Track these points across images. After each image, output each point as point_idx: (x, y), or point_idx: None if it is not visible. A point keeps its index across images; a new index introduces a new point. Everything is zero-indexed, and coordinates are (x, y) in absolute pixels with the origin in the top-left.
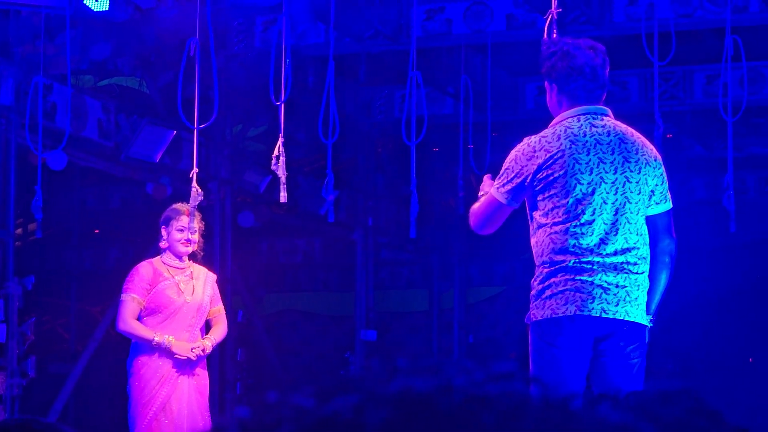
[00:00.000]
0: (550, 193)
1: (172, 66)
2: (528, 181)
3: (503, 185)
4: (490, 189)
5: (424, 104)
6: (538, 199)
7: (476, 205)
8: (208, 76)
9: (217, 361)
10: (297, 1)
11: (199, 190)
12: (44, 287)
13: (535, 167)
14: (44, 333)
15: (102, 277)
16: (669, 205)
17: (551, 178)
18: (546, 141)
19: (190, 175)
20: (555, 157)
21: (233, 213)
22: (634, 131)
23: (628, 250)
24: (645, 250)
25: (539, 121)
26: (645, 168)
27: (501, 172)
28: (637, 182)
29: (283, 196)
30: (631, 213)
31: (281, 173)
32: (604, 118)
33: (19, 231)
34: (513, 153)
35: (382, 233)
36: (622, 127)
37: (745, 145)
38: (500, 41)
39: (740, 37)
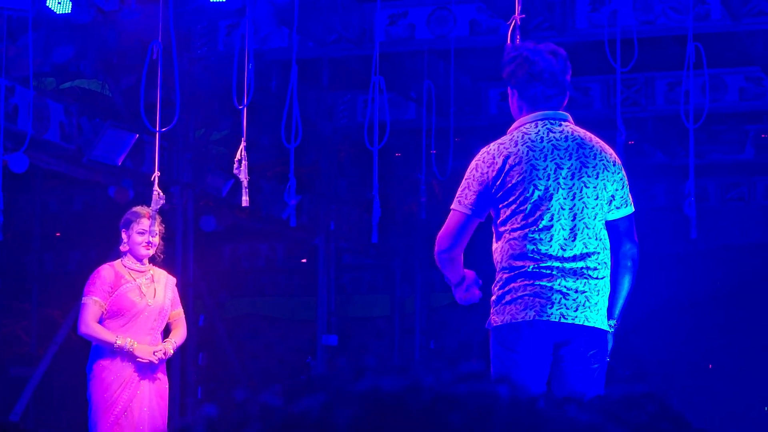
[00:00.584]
0: (509, 199)
1: (134, 69)
2: (489, 188)
3: (466, 197)
4: (453, 204)
5: (386, 109)
6: (499, 206)
7: (441, 232)
8: (170, 80)
9: (178, 365)
10: (260, 5)
11: (161, 194)
12: (5, 290)
13: (495, 173)
14: (5, 336)
15: (63, 280)
16: (630, 210)
17: (509, 184)
18: (504, 147)
19: (152, 179)
20: (512, 163)
21: (195, 217)
22: (593, 136)
23: (588, 255)
24: (605, 255)
25: (502, 126)
26: (603, 173)
27: (462, 185)
28: (594, 187)
29: (245, 200)
30: (590, 218)
31: (243, 177)
32: (563, 123)
33: None
34: (473, 163)
35: (344, 238)
36: (581, 132)
37: (706, 152)
38: (463, 47)
39: (702, 45)
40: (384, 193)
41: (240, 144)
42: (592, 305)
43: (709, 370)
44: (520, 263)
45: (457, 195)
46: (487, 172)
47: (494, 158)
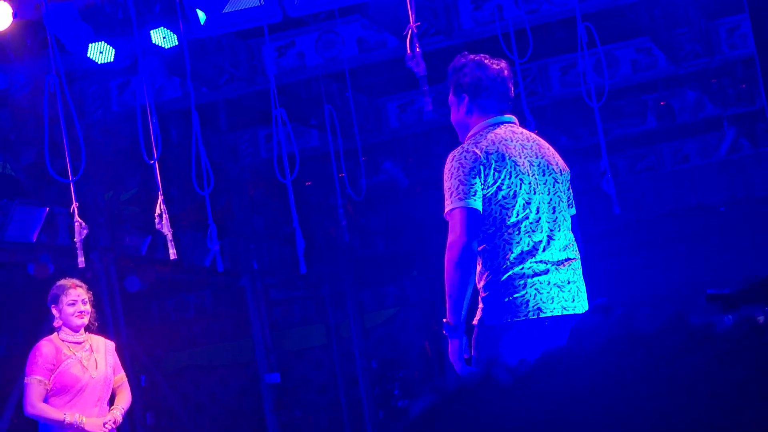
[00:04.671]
0: (498, 195)
1: (33, 143)
2: (481, 180)
3: (463, 192)
4: (451, 206)
5: (293, 139)
6: (487, 203)
7: (450, 238)
8: (72, 147)
9: (127, 429)
10: (149, 59)
11: (83, 224)
12: None
13: (482, 167)
14: None
15: None
16: (574, 211)
17: (498, 179)
18: (483, 146)
19: (71, 210)
20: (497, 159)
21: (119, 279)
22: (544, 141)
23: (569, 245)
24: (575, 245)
25: (404, 138)
26: (563, 172)
27: (452, 189)
28: (561, 183)
29: (173, 253)
30: (565, 210)
31: (166, 230)
32: (515, 125)
33: None
34: (453, 164)
35: (269, 274)
36: (534, 135)
37: (609, 128)
38: (355, 66)
39: (591, 23)
40: (303, 222)
41: (155, 199)
42: (582, 294)
43: None
44: (515, 261)
45: (450, 196)
46: (475, 167)
47: (476, 155)
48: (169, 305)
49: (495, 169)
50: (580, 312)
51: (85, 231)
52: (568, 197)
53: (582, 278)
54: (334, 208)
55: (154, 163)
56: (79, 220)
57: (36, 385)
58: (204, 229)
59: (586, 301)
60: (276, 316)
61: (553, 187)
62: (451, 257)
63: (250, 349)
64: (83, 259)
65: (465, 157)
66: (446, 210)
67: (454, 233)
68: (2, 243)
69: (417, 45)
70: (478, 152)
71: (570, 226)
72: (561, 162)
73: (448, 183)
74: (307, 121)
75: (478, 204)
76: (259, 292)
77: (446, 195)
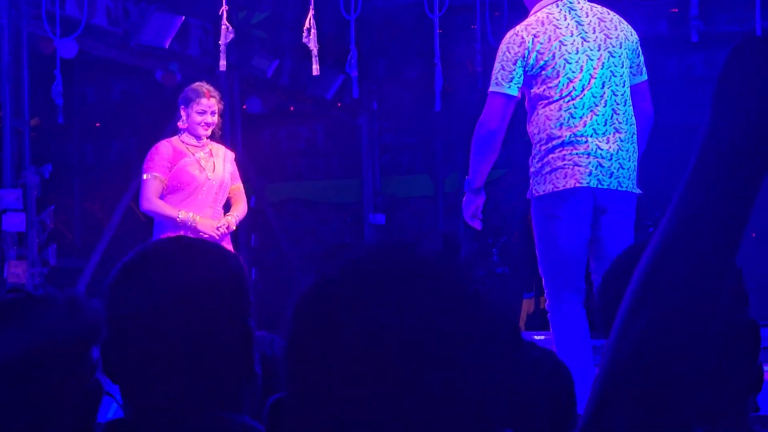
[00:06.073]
0: (542, 75)
1: None
2: (523, 65)
3: (504, 78)
4: (490, 88)
5: None
6: (533, 82)
7: (483, 116)
8: None
9: (230, 246)
10: None
11: (230, 27)
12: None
13: (526, 51)
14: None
15: (104, 172)
16: (645, 77)
17: (541, 60)
18: (531, 27)
19: (220, 12)
20: (542, 41)
21: (241, 99)
22: (609, 11)
23: (618, 121)
24: (632, 119)
25: None
26: (625, 43)
27: (495, 72)
28: (619, 56)
29: (316, 69)
30: (617, 85)
31: (313, 45)
32: (580, 1)
33: (34, 121)
34: (502, 46)
35: (385, 117)
36: (598, 8)
37: None
38: None
39: None
40: (428, 70)
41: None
42: (624, 170)
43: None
44: (557, 133)
45: (492, 78)
46: (519, 51)
47: (523, 38)
48: (281, 135)
49: (539, 51)
50: (615, 188)
51: (231, 35)
52: (631, 66)
53: (627, 156)
54: (463, 61)
55: None
56: (227, 24)
57: (152, 181)
58: (330, 61)
59: (629, 178)
60: (384, 161)
61: (607, 61)
62: (477, 137)
63: (354, 190)
64: (224, 62)
65: (513, 40)
66: (488, 89)
67: (487, 114)
68: (136, 45)
69: None
70: (525, 36)
71: (624, 100)
72: (625, 33)
73: (496, 64)
74: None
75: (514, 90)
76: (374, 133)
77: (492, 73)
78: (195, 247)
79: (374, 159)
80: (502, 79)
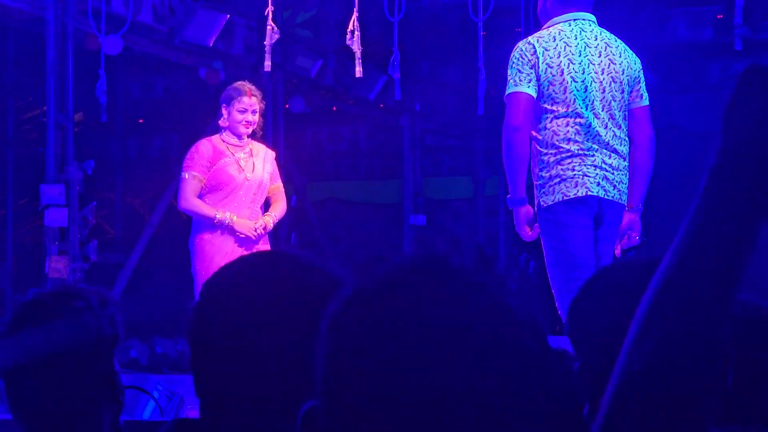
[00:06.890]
0: (549, 90)
1: None
2: (536, 71)
3: (520, 79)
4: (507, 90)
5: None
6: (541, 94)
7: (506, 120)
8: None
9: (270, 244)
10: None
11: (275, 28)
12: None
13: (538, 61)
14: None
15: (146, 168)
16: (647, 102)
17: (550, 74)
18: (543, 41)
19: (265, 13)
20: (551, 55)
21: (284, 98)
22: (617, 38)
23: (616, 143)
24: (626, 143)
25: None
26: (627, 70)
27: (510, 76)
28: (620, 83)
29: (359, 71)
30: (616, 110)
31: (356, 47)
32: (591, 24)
33: (78, 116)
34: (515, 54)
35: (427, 119)
36: (607, 33)
37: None
38: None
39: None
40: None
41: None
42: (623, 185)
43: None
44: (565, 146)
45: (509, 81)
46: (532, 59)
47: (535, 48)
48: (322, 135)
49: (548, 65)
50: (614, 199)
51: (276, 35)
52: (631, 92)
53: (625, 172)
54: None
55: None
56: (272, 24)
57: (191, 180)
58: (373, 62)
59: (623, 192)
60: (425, 162)
61: (609, 86)
62: (505, 139)
63: (393, 191)
64: (269, 63)
65: (526, 48)
66: (505, 95)
67: (508, 116)
68: (181, 43)
69: None
70: (538, 47)
71: (618, 124)
72: (628, 62)
73: (509, 70)
74: None
75: (531, 90)
76: (416, 134)
77: (508, 78)
78: (290, 261)
79: (415, 160)
80: (519, 80)
